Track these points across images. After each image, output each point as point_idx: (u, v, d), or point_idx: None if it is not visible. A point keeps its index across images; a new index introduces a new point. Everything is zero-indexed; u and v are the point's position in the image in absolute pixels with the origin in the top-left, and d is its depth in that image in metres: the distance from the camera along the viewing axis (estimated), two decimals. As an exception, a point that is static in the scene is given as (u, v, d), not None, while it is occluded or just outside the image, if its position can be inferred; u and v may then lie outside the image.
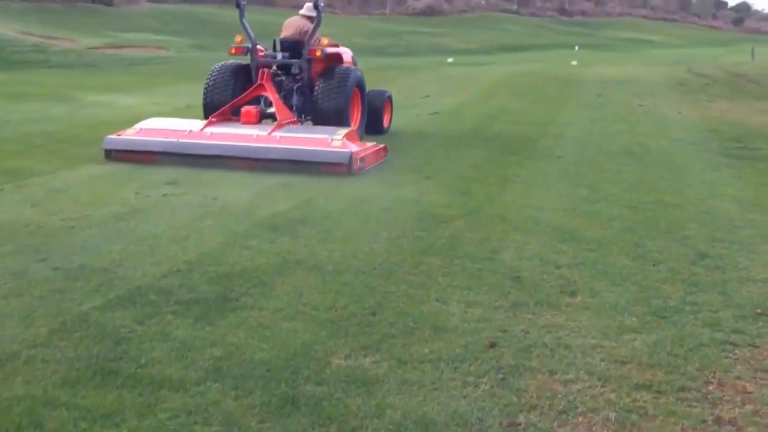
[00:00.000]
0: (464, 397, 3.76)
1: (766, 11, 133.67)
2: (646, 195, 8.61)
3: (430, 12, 74.90)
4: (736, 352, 4.42)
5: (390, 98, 12.85)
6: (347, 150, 9.20)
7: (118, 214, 6.89)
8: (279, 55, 11.33)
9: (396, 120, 13.12)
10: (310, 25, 11.41)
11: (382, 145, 10.29)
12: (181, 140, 9.61)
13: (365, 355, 4.17)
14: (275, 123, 10.21)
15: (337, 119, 10.65)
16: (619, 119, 15.88)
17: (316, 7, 11.25)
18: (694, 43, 74.66)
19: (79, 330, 4.32)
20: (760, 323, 4.85)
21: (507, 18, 78.76)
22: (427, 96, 18.66)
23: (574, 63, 35.66)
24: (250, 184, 8.29)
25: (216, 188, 8.02)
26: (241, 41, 11.28)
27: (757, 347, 4.48)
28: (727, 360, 4.31)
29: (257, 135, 9.74)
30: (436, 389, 3.83)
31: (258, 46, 11.35)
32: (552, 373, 4.05)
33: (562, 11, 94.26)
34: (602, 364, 4.18)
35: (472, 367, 4.08)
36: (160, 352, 4.07)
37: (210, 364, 3.96)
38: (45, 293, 4.87)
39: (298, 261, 5.71)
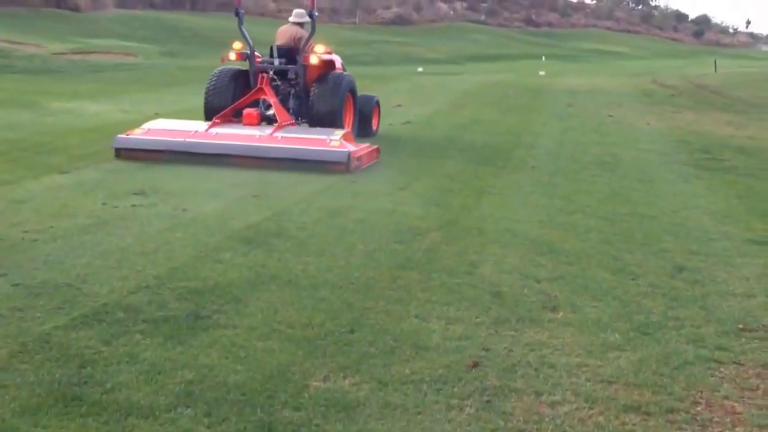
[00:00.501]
0: (449, 422, 3.56)
1: (724, 24, 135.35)
2: (621, 206, 8.50)
3: (399, 21, 74.93)
4: (722, 370, 4.27)
5: (378, 103, 13.44)
6: (345, 150, 9.77)
7: (83, 226, 6.59)
8: (276, 61, 11.87)
9: (370, 130, 12.95)
10: (302, 32, 11.96)
11: (375, 146, 10.83)
12: (188, 140, 10.11)
13: (344, 377, 3.96)
14: (276, 124, 10.70)
15: (332, 121, 11.16)
16: (589, 129, 15.84)
17: (310, 16, 11.71)
18: (658, 55, 75.38)
19: (41, 352, 4.04)
20: (743, 339, 4.72)
21: (475, 28, 78.94)
22: (399, 105, 18.47)
23: (542, 73, 35.77)
24: (222, 195, 8.03)
25: (186, 199, 7.76)
26: (241, 48, 11.83)
27: (742, 365, 4.34)
28: (713, 378, 4.16)
29: (260, 135, 10.33)
30: (419, 413, 3.63)
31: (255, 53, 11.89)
32: (538, 394, 3.87)
33: (529, 22, 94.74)
34: (588, 384, 4.01)
35: (455, 389, 3.89)
36: (127, 376, 3.82)
37: (181, 389, 3.72)
38: (4, 311, 4.58)
39: (272, 275, 5.49)
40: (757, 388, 4.04)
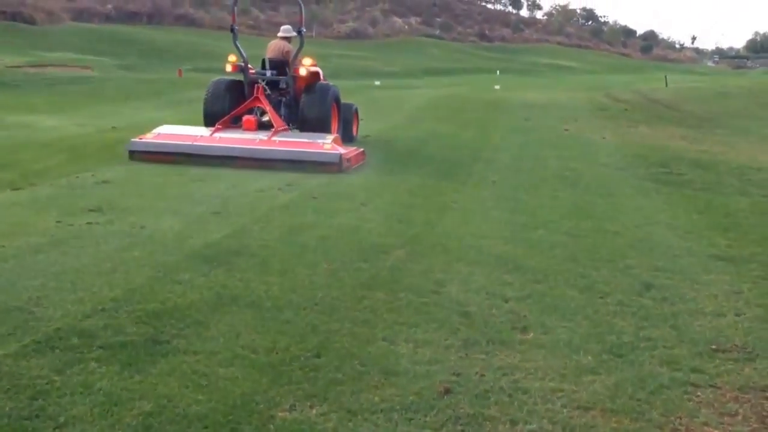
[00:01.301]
0: (423, 454, 3.36)
1: (671, 39, 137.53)
2: (584, 221, 8.38)
3: (355, 36, 74.86)
4: (699, 394, 4.12)
5: (356, 111, 14.55)
6: (337, 152, 10.85)
7: (36, 245, 6.26)
8: (268, 73, 12.94)
9: (328, 144, 12.72)
10: (289, 46, 13.15)
11: (361, 149, 11.91)
12: (195, 143, 11.14)
13: (311, 406, 3.74)
14: (272, 129, 11.65)
15: (320, 127, 12.27)
16: (547, 144, 15.78)
17: (299, 32, 12.95)
18: (608, 70, 76.20)
19: (-11, 382, 3.76)
20: (717, 361, 4.58)
21: (430, 42, 79.16)
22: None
23: (497, 87, 35.84)
24: (180, 212, 7.74)
25: (144, 216, 7.46)
26: (236, 61, 12.80)
27: (719, 388, 4.20)
28: (691, 403, 4.00)
29: (260, 139, 11.28)
30: (391, 445, 3.42)
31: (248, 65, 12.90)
32: (513, 423, 3.69)
33: (483, 37, 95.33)
34: (565, 411, 3.83)
35: (428, 418, 3.69)
36: (82, 408, 3.56)
37: (139, 421, 3.46)
38: (-48, 338, 4.28)
39: (234, 296, 5.24)
40: (736, 413, 3.90)
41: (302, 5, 13.63)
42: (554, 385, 4.12)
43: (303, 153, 10.88)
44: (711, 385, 4.22)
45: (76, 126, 15.08)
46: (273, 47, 13.27)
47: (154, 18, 67.68)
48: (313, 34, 74.01)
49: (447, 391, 3.97)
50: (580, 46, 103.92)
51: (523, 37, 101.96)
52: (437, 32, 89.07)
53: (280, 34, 13.45)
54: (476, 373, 4.23)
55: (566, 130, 18.53)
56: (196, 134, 11.52)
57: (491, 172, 11.62)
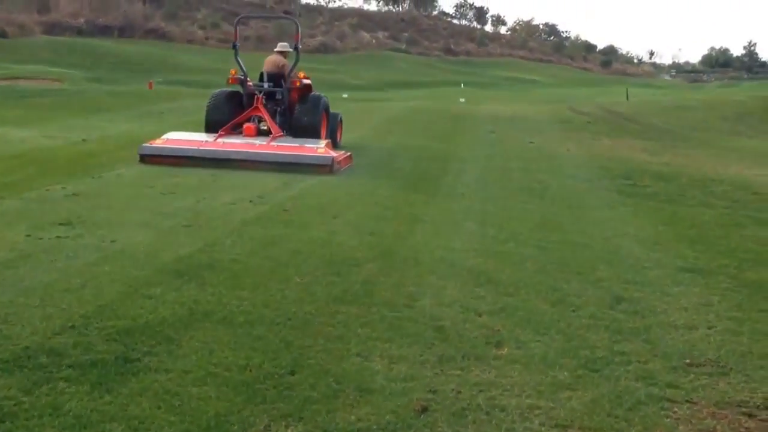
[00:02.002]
0: (401, 476, 3.23)
1: (630, 54, 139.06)
2: (553, 234, 8.32)
3: (324, 49, 74.86)
4: (675, 409, 4.03)
5: (341, 120, 15.60)
6: (330, 155, 11.90)
7: (5, 260, 6.04)
8: (265, 85, 13.82)
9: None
10: (284, 60, 14.26)
11: (349, 153, 13.02)
12: (201, 148, 12.02)
13: (286, 426, 3.60)
14: (270, 136, 12.72)
15: (312, 133, 13.34)
16: (513, 156, 15.75)
17: (295, 49, 14.13)
18: (570, 83, 76.86)
19: (-46, 405, 3.58)
20: (692, 375, 4.50)
21: (397, 56, 79.37)
22: (327, 131, 18.12)
23: (462, 100, 35.91)
24: (151, 225, 7.54)
25: (114, 229, 7.25)
26: (234, 74, 13.90)
27: (695, 403, 4.11)
28: (669, 420, 3.91)
29: (260, 144, 12.27)
30: (368, 467, 3.29)
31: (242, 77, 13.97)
32: (492, 441, 3.57)
33: (448, 51, 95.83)
34: (543, 429, 3.73)
35: (405, 438, 3.56)
36: (50, 431, 3.39)
37: (109, 445, 3.31)
38: None
39: (206, 312, 5.07)
40: (714, 429, 3.81)
41: (299, 24, 15.02)
42: (531, 401, 4.02)
43: (299, 156, 11.79)
44: (687, 401, 4.13)
45: (46, 138, 14.77)
46: (269, 61, 14.22)
47: (125, 31, 67.22)
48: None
49: (424, 409, 3.85)
50: (542, 60, 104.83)
51: (488, 51, 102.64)
52: (404, 46, 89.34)
53: (276, 49, 14.54)
54: (452, 389, 4.11)
55: (531, 142, 18.54)
56: (201, 140, 12.42)
57: (460, 185, 11.55)
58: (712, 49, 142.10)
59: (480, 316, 5.37)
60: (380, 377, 4.22)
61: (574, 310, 5.62)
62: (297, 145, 12.35)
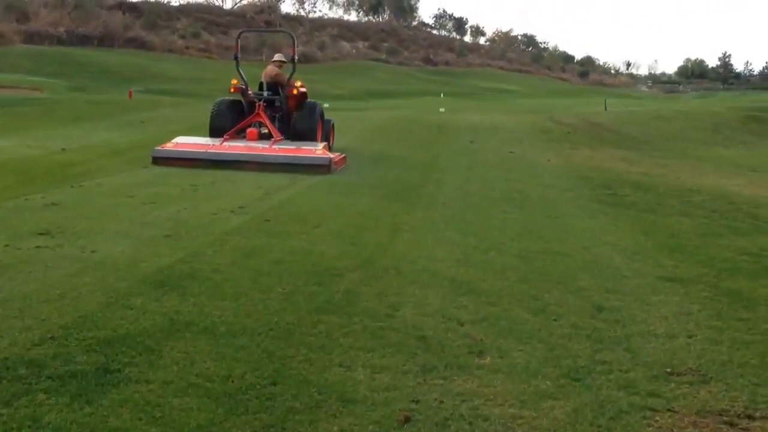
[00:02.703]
0: (384, 487, 3.21)
1: (607, 65, 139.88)
2: (534, 243, 8.32)
3: (304, 59, 74.39)
4: (657, 419, 4.02)
5: (333, 125, 16.53)
6: (327, 156, 13.09)
7: (-17, 270, 5.97)
8: (265, 93, 15.12)
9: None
10: (278, 70, 15.46)
11: (344, 155, 14.17)
12: (209, 150, 13.17)
13: (269, 437, 3.56)
14: (272, 139, 13.92)
15: (309, 137, 14.42)
16: (494, 165, 15.78)
17: (292, 60, 15.28)
18: (549, 94, 77.17)
19: (-70, 418, 3.51)
20: (673, 384, 4.50)
21: (377, 66, 79.48)
22: (308, 141, 18.09)
23: (442, 110, 35.94)
24: (132, 235, 7.48)
25: (94, 239, 7.19)
26: (236, 83, 15.01)
27: (676, 412, 4.11)
28: (651, 429, 3.91)
29: (263, 147, 13.37)
30: (352, 478, 3.26)
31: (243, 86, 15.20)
32: (475, 451, 3.55)
33: (428, 61, 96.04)
34: (526, 438, 3.72)
35: (388, 448, 3.53)
36: (29, 444, 3.34)
37: (90, 458, 3.26)
38: None
39: (187, 322, 5.02)
40: (696, 438, 3.82)
41: (295, 38, 16.23)
42: (514, 411, 4.00)
43: (300, 158, 12.87)
44: (669, 410, 4.13)
45: (25, 147, 14.65)
46: (268, 72, 15.50)
47: (105, 41, 66.88)
48: (263, 57, 73.84)
49: (407, 420, 3.82)
50: (521, 71, 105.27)
51: (467, 61, 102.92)
52: (384, 56, 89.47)
53: (273, 60, 15.91)
54: (435, 399, 4.09)
55: (511, 152, 18.58)
56: (209, 143, 13.58)
57: (441, 194, 11.55)
58: (688, 60, 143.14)
59: (462, 325, 5.36)
60: (363, 387, 4.19)
61: (555, 320, 5.62)
62: (297, 147, 13.41)
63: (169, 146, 13.21)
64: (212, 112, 15.01)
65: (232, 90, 15.11)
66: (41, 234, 7.31)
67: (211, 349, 4.60)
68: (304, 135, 14.48)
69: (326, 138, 15.59)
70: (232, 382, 4.15)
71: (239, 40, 16.52)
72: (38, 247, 6.81)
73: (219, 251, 7.00)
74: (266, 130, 14.34)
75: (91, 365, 4.22)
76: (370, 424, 3.76)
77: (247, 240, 7.55)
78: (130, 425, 3.58)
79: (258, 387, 4.10)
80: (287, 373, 4.32)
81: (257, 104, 14.72)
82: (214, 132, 14.39)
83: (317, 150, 13.22)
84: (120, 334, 4.72)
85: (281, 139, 14.14)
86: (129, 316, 5.07)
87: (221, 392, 4.00)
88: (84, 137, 17.22)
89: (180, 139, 13.62)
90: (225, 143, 13.49)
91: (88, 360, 4.30)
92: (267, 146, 13.41)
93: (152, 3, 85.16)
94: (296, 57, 15.30)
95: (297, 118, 14.91)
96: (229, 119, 14.59)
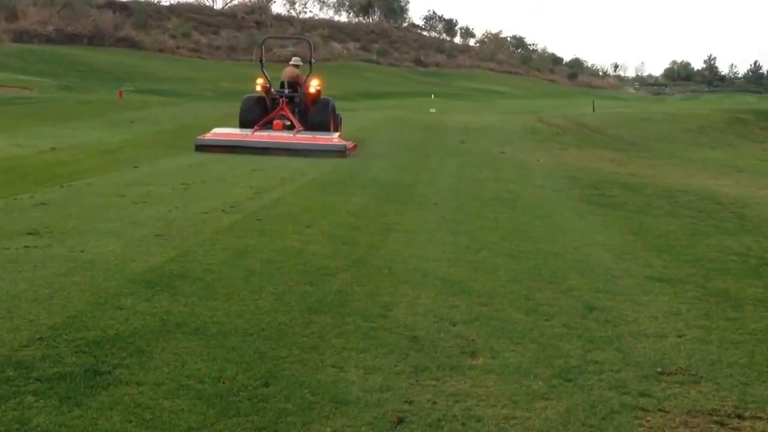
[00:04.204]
0: (378, 490, 3.15)
1: (595, 67, 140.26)
2: (524, 243, 8.29)
3: (294, 60, 74.59)
4: (648, 419, 3.98)
5: (341, 118, 18.85)
6: (343, 143, 15.87)
7: (-29, 270, 5.88)
8: (286, 91, 17.52)
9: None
10: (297, 71, 17.97)
11: (356, 143, 16.92)
12: (243, 139, 15.81)
13: (261, 439, 3.50)
14: (295, 130, 16.47)
15: (324, 128, 16.88)
16: (484, 166, 15.77)
17: (309, 62, 18.20)
18: (538, 95, 77.39)
19: None
20: (664, 384, 4.46)
21: (368, 67, 79.46)
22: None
23: (433, 110, 35.95)
24: (122, 234, 7.39)
25: (83, 239, 7.10)
26: (263, 82, 17.50)
27: (667, 412, 4.07)
28: (642, 429, 3.86)
29: (288, 136, 16.01)
30: (345, 481, 3.20)
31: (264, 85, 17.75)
32: (468, 453, 3.50)
33: (418, 62, 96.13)
34: (519, 439, 3.67)
35: (381, 450, 3.48)
36: (17, 447, 3.27)
37: (79, 461, 3.19)
38: None
39: (178, 323, 4.95)
40: (688, 438, 3.78)
41: (311, 43, 20.93)
42: (507, 411, 3.96)
43: (320, 145, 15.51)
44: (660, 410, 4.09)
45: (14, 146, 14.53)
46: (287, 72, 17.94)
47: (95, 40, 66.62)
48: (254, 57, 73.73)
49: (400, 421, 3.77)
50: (510, 72, 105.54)
51: (457, 62, 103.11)
52: (375, 57, 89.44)
53: (291, 63, 18.34)
54: (428, 400, 4.04)
55: (501, 152, 18.58)
56: (242, 133, 16.28)
57: (432, 194, 11.51)
58: (674, 62, 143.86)
59: (454, 325, 5.31)
60: (355, 388, 4.14)
61: (547, 319, 5.58)
62: (317, 136, 16.02)
63: (209, 136, 15.71)
64: (242, 108, 17.46)
65: (260, 89, 17.56)
66: (30, 233, 7.20)
67: (202, 350, 4.53)
68: (320, 126, 16.87)
69: (336, 129, 17.70)
70: (224, 383, 4.08)
71: (263, 46, 20.88)
72: (27, 246, 6.71)
73: (210, 251, 6.93)
74: (289, 122, 16.71)
75: (81, 367, 4.15)
76: (363, 425, 3.71)
77: (239, 239, 7.48)
78: (120, 428, 3.51)
79: (250, 388, 4.04)
80: (279, 374, 4.25)
81: (281, 100, 17.16)
82: (244, 124, 16.85)
83: (334, 138, 15.94)
84: (110, 335, 4.65)
85: (302, 130, 16.48)
86: (119, 316, 5.00)
87: (213, 394, 3.94)
88: (74, 136, 17.10)
89: (217, 130, 16.18)
90: (256, 133, 16.06)
91: (78, 361, 4.22)
92: (291, 135, 15.98)
93: (143, 2, 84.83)
94: (313, 60, 18.09)
95: (313, 113, 17.28)
96: (256, 113, 17.02)
